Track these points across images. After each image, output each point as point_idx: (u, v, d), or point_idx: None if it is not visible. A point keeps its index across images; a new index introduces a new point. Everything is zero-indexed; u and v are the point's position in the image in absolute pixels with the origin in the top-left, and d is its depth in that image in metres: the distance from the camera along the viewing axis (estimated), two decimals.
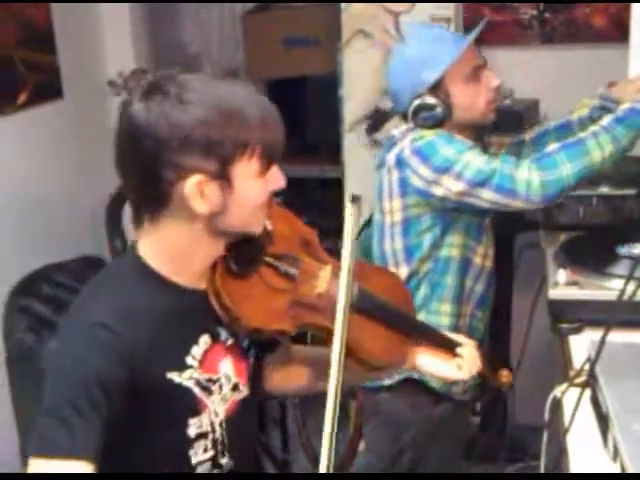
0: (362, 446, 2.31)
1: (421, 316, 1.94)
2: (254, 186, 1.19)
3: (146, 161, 1.15)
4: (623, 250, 1.75)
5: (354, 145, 2.80)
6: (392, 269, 1.97)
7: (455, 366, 1.44)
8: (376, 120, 2.13)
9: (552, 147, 1.76)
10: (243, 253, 1.24)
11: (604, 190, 2.09)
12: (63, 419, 1.08)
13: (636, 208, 2.04)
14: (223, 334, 1.28)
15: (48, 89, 2.69)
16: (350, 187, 2.85)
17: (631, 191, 2.08)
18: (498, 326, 2.38)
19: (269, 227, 1.26)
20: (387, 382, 1.96)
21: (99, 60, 2.99)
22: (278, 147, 1.21)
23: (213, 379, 1.26)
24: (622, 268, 1.68)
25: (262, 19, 3.64)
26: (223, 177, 1.16)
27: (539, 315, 2.26)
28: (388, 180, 1.92)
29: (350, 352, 1.24)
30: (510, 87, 2.58)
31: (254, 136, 1.16)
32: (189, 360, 1.22)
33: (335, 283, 1.26)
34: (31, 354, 1.93)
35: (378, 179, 1.98)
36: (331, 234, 3.51)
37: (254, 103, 1.18)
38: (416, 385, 1.94)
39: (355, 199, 1.22)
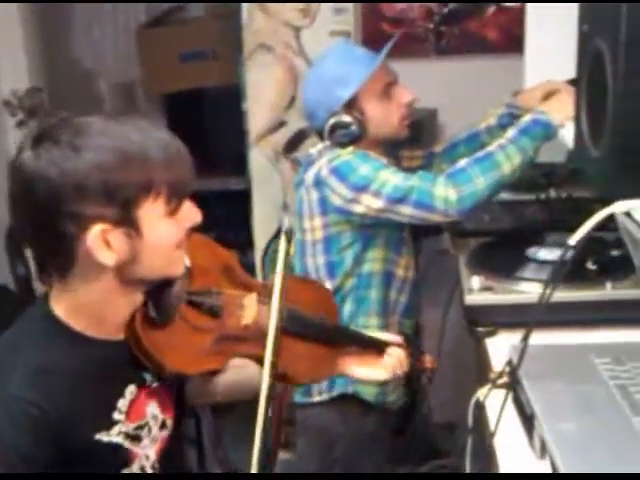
0: (286, 455, 2.30)
1: None
2: (164, 228, 1.12)
3: (42, 215, 1.07)
4: (531, 255, 1.84)
5: (259, 158, 2.81)
6: None
7: (381, 368, 1.46)
8: (293, 138, 2.14)
9: (465, 162, 1.82)
10: (163, 299, 1.17)
11: (504, 196, 2.18)
12: None
13: (536, 212, 2.13)
14: (148, 378, 1.23)
15: None
16: (257, 199, 2.86)
17: (529, 196, 2.18)
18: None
19: (188, 264, 1.20)
20: (317, 398, 1.98)
21: None
22: (186, 184, 1.14)
23: (141, 425, 1.21)
24: (531, 272, 1.76)
25: (157, 34, 3.62)
26: (128, 223, 1.09)
27: (450, 316, 2.33)
28: (307, 199, 1.94)
29: (282, 375, 1.25)
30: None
31: (158, 175, 1.09)
32: (116, 415, 1.17)
33: (262, 310, 1.26)
34: None
35: (298, 198, 2.00)
36: (238, 247, 3.52)
37: (156, 140, 1.11)
38: (348, 399, 1.97)
39: (288, 233, 1.22)
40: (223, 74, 3.35)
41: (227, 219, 3.31)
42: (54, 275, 1.14)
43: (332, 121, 1.90)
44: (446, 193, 1.77)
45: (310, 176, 1.92)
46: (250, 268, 2.87)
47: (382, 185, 1.80)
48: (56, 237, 1.08)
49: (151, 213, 1.10)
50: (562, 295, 1.59)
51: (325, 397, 1.97)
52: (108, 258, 1.09)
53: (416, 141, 2.33)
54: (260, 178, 2.81)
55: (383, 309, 1.98)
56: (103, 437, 1.15)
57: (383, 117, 1.94)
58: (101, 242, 1.08)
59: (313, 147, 2.01)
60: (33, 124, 2.75)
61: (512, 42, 2.67)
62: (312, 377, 1.43)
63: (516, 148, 1.78)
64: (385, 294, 1.98)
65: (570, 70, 1.83)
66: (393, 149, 2.07)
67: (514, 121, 1.90)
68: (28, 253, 2.61)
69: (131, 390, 1.20)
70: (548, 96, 1.89)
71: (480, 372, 1.63)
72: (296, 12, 2.65)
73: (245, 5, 2.66)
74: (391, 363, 1.47)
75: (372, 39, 2.43)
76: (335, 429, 2.01)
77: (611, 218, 1.20)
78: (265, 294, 1.29)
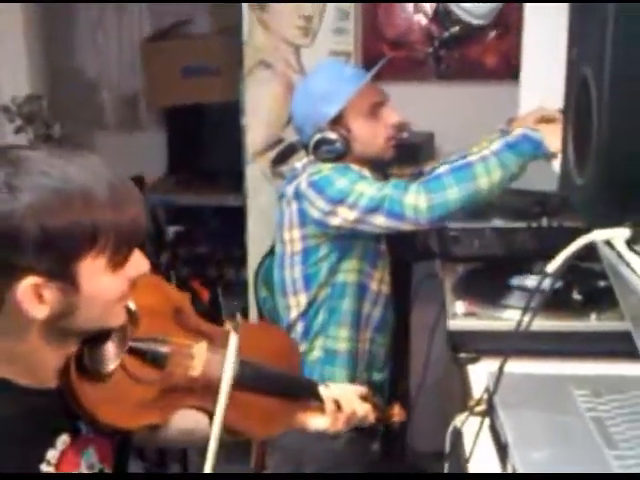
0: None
1: (319, 342, 1.97)
2: (107, 281, 1.01)
3: None
4: (516, 282, 1.83)
5: (256, 175, 2.81)
6: (292, 298, 2.00)
7: (339, 420, 1.39)
8: (283, 153, 2.16)
9: (442, 169, 1.81)
10: (99, 350, 1.07)
11: (496, 223, 2.17)
12: None
13: (527, 240, 2.12)
14: (84, 428, 1.12)
15: None
16: (251, 217, 2.85)
17: (522, 224, 2.17)
18: (397, 353, 2.42)
19: (133, 308, 1.11)
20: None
21: None
22: (136, 235, 1.03)
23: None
24: (515, 299, 1.75)
25: (161, 47, 3.62)
26: (65, 277, 0.97)
27: (437, 342, 2.32)
28: (288, 211, 1.96)
29: (232, 431, 1.19)
30: (406, 121, 2.66)
31: (105, 225, 0.98)
32: (44, 467, 1.06)
33: (212, 360, 1.18)
34: None
35: (279, 210, 2.01)
36: (232, 263, 3.50)
37: (105, 184, 0.99)
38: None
39: (236, 325, 1.18)
40: (225, 90, 3.35)
41: (222, 235, 3.31)
42: None
43: (317, 137, 1.92)
44: (416, 201, 1.76)
45: (291, 189, 1.95)
46: (243, 285, 2.87)
47: (358, 197, 1.81)
48: None
49: (92, 267, 0.99)
50: (547, 324, 1.59)
51: None
52: (38, 312, 0.98)
53: (412, 164, 2.33)
54: (255, 194, 2.80)
55: (355, 321, 1.98)
56: None
57: (369, 136, 1.95)
58: (32, 295, 0.97)
59: (299, 161, 2.02)
60: (31, 131, 2.75)
61: (511, 69, 2.67)
62: (266, 432, 1.35)
63: (498, 162, 1.75)
64: (358, 306, 1.98)
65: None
66: (381, 167, 2.07)
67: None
68: None
69: (63, 440, 1.09)
70: (541, 123, 1.88)
71: (462, 400, 1.62)
72: (297, 30, 2.66)
73: (246, 21, 2.67)
74: (349, 416, 1.39)
75: (372, 60, 2.42)
76: (306, 449, 1.99)
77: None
78: (218, 340, 1.22)
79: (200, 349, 1.19)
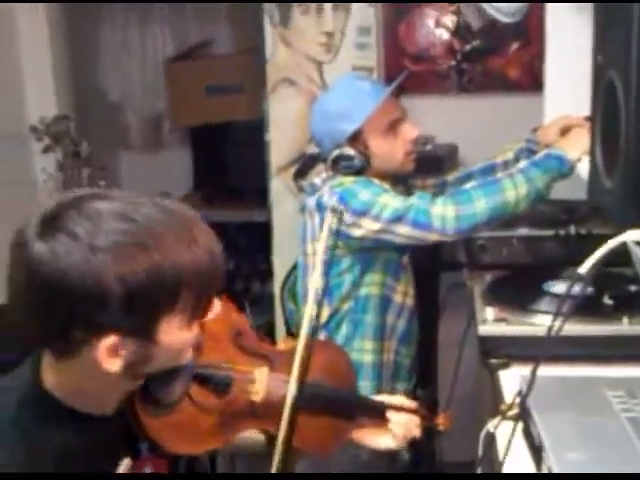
0: None
1: None
2: (183, 336, 1.01)
3: (51, 315, 0.94)
4: (546, 287, 1.83)
5: (280, 190, 2.83)
6: None
7: (390, 437, 1.43)
8: (303, 165, 2.17)
9: (470, 185, 1.84)
10: (165, 387, 1.08)
11: (523, 231, 2.18)
12: None
13: (555, 248, 2.13)
14: (144, 448, 1.15)
15: None
16: (277, 231, 2.87)
17: (549, 232, 2.17)
18: (424, 364, 2.42)
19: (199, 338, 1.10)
20: None
21: (20, 106, 2.95)
22: (214, 294, 1.03)
23: None
24: (546, 304, 1.75)
25: (184, 67, 3.67)
26: (145, 334, 0.97)
27: (466, 352, 2.32)
28: (310, 223, 1.97)
29: (293, 450, 1.19)
30: (430, 134, 2.68)
31: (190, 285, 0.97)
32: None
33: (272, 383, 1.19)
34: None
35: (302, 222, 2.03)
36: (257, 279, 3.52)
37: (187, 240, 0.97)
38: None
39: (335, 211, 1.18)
40: (249, 108, 3.39)
41: (247, 249, 3.34)
42: (51, 356, 1.02)
43: (336, 153, 1.93)
44: (444, 211, 1.77)
45: (312, 201, 1.96)
46: (270, 298, 2.89)
47: (382, 208, 1.82)
48: (61, 337, 0.96)
49: (172, 323, 0.99)
50: (578, 329, 1.59)
51: None
52: (112, 366, 0.98)
53: (435, 176, 2.34)
54: (280, 209, 2.83)
55: (379, 333, 1.98)
56: None
57: (387, 152, 1.96)
58: (110, 353, 0.97)
59: (318, 176, 2.03)
60: (59, 150, 2.80)
61: (534, 80, 2.68)
62: (322, 449, 1.37)
63: (524, 178, 1.78)
64: (382, 319, 1.99)
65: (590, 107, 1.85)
66: (403, 179, 2.09)
67: (531, 156, 1.91)
68: None
69: (126, 462, 1.11)
70: (565, 131, 1.90)
71: (494, 406, 1.61)
72: (319, 47, 2.69)
73: (269, 39, 2.71)
74: (402, 432, 1.43)
75: (394, 75, 2.44)
76: (333, 457, 1.99)
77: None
78: (278, 363, 1.24)
79: (261, 374, 1.19)
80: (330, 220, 1.22)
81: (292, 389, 1.14)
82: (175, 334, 0.99)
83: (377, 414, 1.43)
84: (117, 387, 1.06)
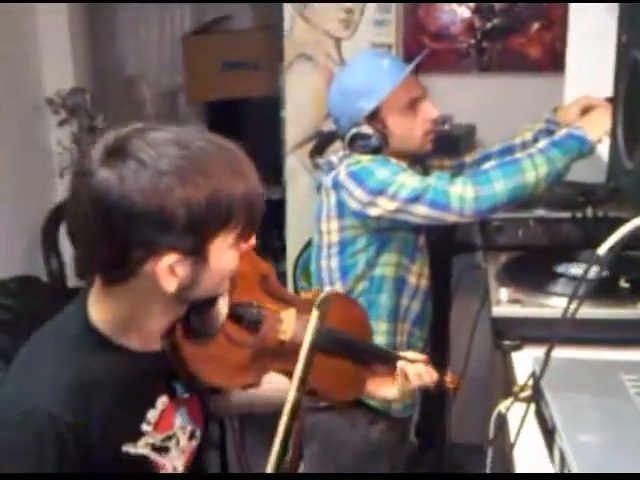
0: (302, 468, 2.29)
1: None
2: (229, 257, 1.09)
3: (114, 237, 1.01)
4: (562, 269, 1.81)
5: (295, 167, 2.82)
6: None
7: (402, 389, 1.45)
8: (320, 143, 2.15)
9: (489, 165, 1.82)
10: (207, 315, 1.15)
11: (540, 213, 2.16)
12: None
13: (571, 230, 2.10)
14: (179, 389, 1.21)
15: None
16: (291, 209, 2.86)
17: (566, 214, 2.15)
18: (437, 347, 2.41)
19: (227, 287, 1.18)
20: (324, 403, 1.96)
21: (37, 77, 2.95)
22: (259, 217, 1.11)
23: (169, 436, 1.19)
24: (561, 287, 1.73)
25: (202, 41, 3.66)
26: (199, 254, 1.05)
27: (478, 335, 2.31)
28: (326, 202, 1.95)
29: (311, 391, 1.25)
30: (448, 113, 2.65)
31: (239, 208, 1.05)
32: (144, 427, 1.14)
33: (298, 326, 1.26)
34: None
35: (318, 201, 2.01)
36: (272, 256, 3.53)
37: (238, 169, 1.06)
38: (354, 404, 1.94)
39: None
40: (265, 85, 3.38)
41: (261, 227, 3.32)
42: (101, 284, 1.10)
43: (353, 131, 1.90)
44: (463, 192, 1.75)
45: (329, 179, 1.93)
46: (282, 276, 2.88)
47: (399, 188, 1.80)
48: (122, 258, 1.03)
49: (222, 245, 1.07)
50: (592, 312, 1.57)
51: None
52: (169, 285, 1.05)
53: (452, 156, 2.32)
54: (295, 187, 2.82)
55: (393, 315, 1.97)
56: (130, 449, 1.12)
57: (405, 131, 1.93)
58: (168, 272, 1.04)
59: (334, 154, 2.01)
60: (75, 122, 2.79)
61: (554, 61, 2.65)
62: (340, 395, 1.41)
63: (544, 158, 1.76)
64: (396, 300, 1.97)
65: (611, 89, 1.82)
66: (421, 159, 2.06)
67: (550, 137, 1.88)
68: (63, 249, 2.65)
69: (163, 401, 1.18)
70: (586, 111, 1.87)
71: (505, 388, 1.60)
72: (337, 23, 2.67)
73: (287, 15, 2.69)
74: (410, 377, 1.45)
75: (413, 52, 2.42)
76: (342, 436, 2.00)
77: None
78: (302, 308, 1.28)
79: (289, 315, 1.28)
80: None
81: (311, 326, 1.17)
82: (223, 257, 1.08)
83: (392, 363, 1.47)
84: (163, 313, 1.12)
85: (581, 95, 1.98)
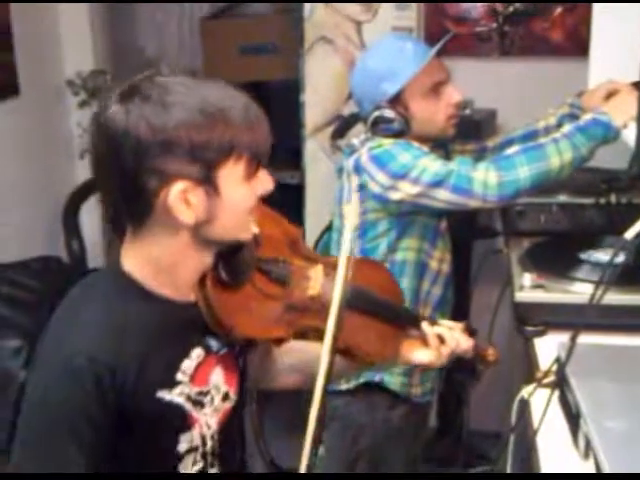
0: (322, 452, 2.30)
1: None
2: (241, 191, 1.13)
3: (126, 168, 1.08)
4: (586, 256, 1.80)
5: (315, 151, 2.81)
6: None
7: (437, 352, 1.42)
8: (342, 125, 2.13)
9: (512, 150, 1.80)
10: (234, 263, 1.18)
11: (563, 199, 2.15)
12: (51, 466, 1.07)
13: (594, 216, 2.09)
14: (215, 345, 1.22)
15: (5, 87, 2.64)
16: (310, 193, 2.86)
17: (588, 200, 2.13)
18: None
19: (256, 230, 1.20)
20: (345, 386, 1.96)
21: (57, 59, 2.96)
22: (265, 150, 1.15)
23: (204, 392, 1.21)
24: (585, 272, 1.72)
25: (220, 25, 3.64)
26: (209, 183, 1.10)
27: (498, 321, 2.30)
28: (347, 186, 1.93)
29: (346, 350, 1.26)
30: (469, 98, 2.63)
31: (240, 139, 1.10)
32: (179, 376, 1.17)
33: (327, 283, 1.27)
34: None
35: (338, 184, 2.00)
36: None
37: (240, 104, 1.12)
38: (374, 388, 1.95)
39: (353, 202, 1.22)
40: (283, 68, 3.36)
41: (280, 211, 3.32)
42: (128, 228, 1.15)
43: (375, 114, 1.88)
44: (486, 178, 1.74)
45: (350, 163, 1.92)
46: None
47: (421, 172, 1.78)
48: (137, 191, 1.09)
49: (231, 175, 1.11)
50: (618, 298, 1.56)
51: (352, 385, 1.95)
52: (187, 216, 1.10)
53: (473, 141, 2.30)
54: (313, 171, 2.81)
55: (414, 299, 1.95)
56: (165, 395, 1.15)
57: (428, 115, 1.90)
58: (181, 200, 1.09)
59: (356, 137, 1.99)
60: (95, 104, 2.79)
61: (577, 45, 2.62)
62: (376, 355, 1.40)
63: (569, 144, 1.74)
64: (417, 284, 1.96)
65: (636, 74, 1.79)
66: (442, 143, 2.04)
67: (574, 122, 1.86)
68: (84, 231, 2.66)
69: (198, 353, 1.20)
70: (610, 96, 1.85)
71: (527, 374, 1.60)
72: (358, 6, 2.65)
73: None
74: (452, 350, 1.42)
75: (434, 36, 2.40)
76: (361, 420, 2.00)
77: None
78: (329, 267, 1.30)
79: (317, 271, 1.30)
80: (352, 221, 1.22)
81: (340, 280, 1.18)
82: (235, 191, 1.12)
83: (418, 326, 1.45)
84: (190, 259, 1.15)
85: (605, 80, 1.96)
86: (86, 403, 1.08)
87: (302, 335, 1.29)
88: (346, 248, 1.20)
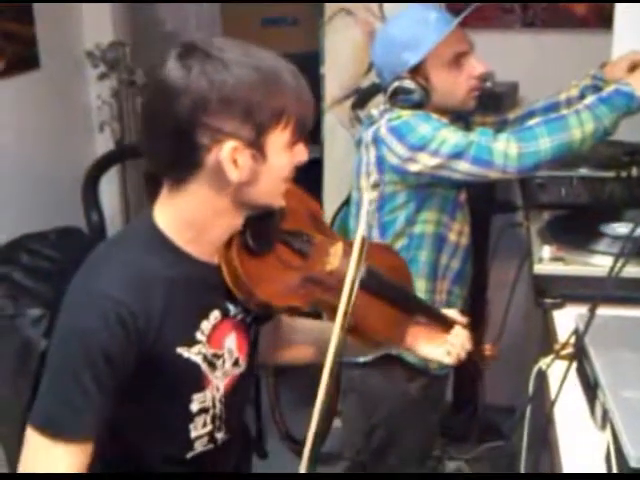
0: (338, 423, 2.31)
1: None
2: (284, 158, 1.16)
3: (181, 123, 1.09)
4: (606, 229, 1.78)
5: (333, 124, 2.79)
6: None
7: (446, 350, 1.46)
8: (363, 95, 2.11)
9: (534, 121, 1.78)
10: (261, 229, 1.21)
11: (584, 172, 2.13)
12: (67, 398, 1.09)
13: (615, 190, 2.07)
14: (232, 310, 1.25)
15: (25, 59, 2.65)
16: (329, 166, 2.85)
17: (610, 174, 2.11)
18: (475, 305, 2.40)
19: (283, 203, 1.23)
20: (362, 359, 1.96)
21: (77, 31, 2.96)
22: (310, 120, 1.17)
23: (218, 354, 1.24)
24: (605, 245, 1.71)
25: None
26: (257, 146, 1.12)
27: (517, 296, 2.29)
28: (366, 157, 1.91)
29: (355, 328, 1.27)
30: (490, 70, 2.60)
31: (291, 104, 1.13)
32: (198, 335, 1.20)
33: (345, 261, 1.28)
34: (9, 322, 1.90)
35: (357, 156, 1.99)
36: None
37: (290, 72, 1.15)
38: (392, 360, 1.95)
39: (375, 185, 1.23)
40: (304, 41, 3.35)
41: (297, 185, 3.32)
42: (169, 183, 1.17)
43: (395, 85, 1.87)
44: (506, 149, 1.72)
45: (369, 134, 1.90)
46: None
47: (441, 143, 1.77)
48: (188, 146, 1.11)
49: (277, 141, 1.13)
50: (637, 270, 1.55)
51: (369, 357, 1.95)
52: (234, 174, 1.12)
53: (494, 113, 2.28)
54: (332, 144, 2.80)
55: (432, 272, 1.95)
56: (184, 352, 1.17)
57: (449, 87, 1.88)
58: (231, 158, 1.11)
59: (375, 108, 1.98)
60: (114, 77, 2.80)
61: (600, 17, 2.59)
62: (382, 335, 1.42)
63: (591, 115, 1.71)
64: (436, 257, 1.95)
65: None
66: (463, 116, 2.02)
67: (597, 94, 1.84)
68: (103, 202, 2.67)
69: (215, 315, 1.22)
70: (634, 68, 1.83)
71: (544, 347, 1.59)
72: None
73: None
74: (456, 345, 1.46)
75: (457, 8, 2.36)
76: (379, 392, 2.00)
77: None
78: (349, 247, 1.30)
79: (337, 247, 1.33)
80: (369, 196, 1.23)
81: (355, 258, 1.20)
82: (279, 157, 1.14)
83: (434, 317, 1.50)
84: (223, 220, 1.18)
85: (629, 51, 1.93)
86: (106, 341, 1.09)
87: (317, 308, 1.31)
88: (363, 225, 1.22)
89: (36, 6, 2.66)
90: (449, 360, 1.47)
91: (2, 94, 2.52)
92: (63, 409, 1.10)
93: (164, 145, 1.14)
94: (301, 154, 1.19)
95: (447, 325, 1.49)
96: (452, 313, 1.53)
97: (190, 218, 1.17)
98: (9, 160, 2.53)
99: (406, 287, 1.49)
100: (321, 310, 1.34)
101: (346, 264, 1.23)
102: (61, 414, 1.10)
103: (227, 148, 1.10)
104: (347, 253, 1.30)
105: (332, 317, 1.20)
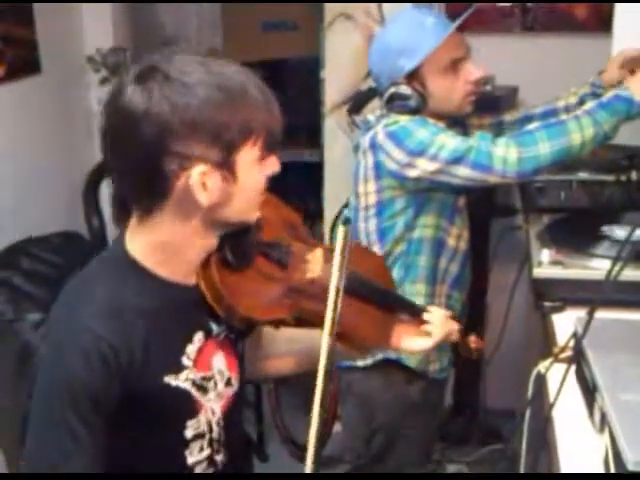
0: (338, 427, 2.31)
1: None
2: (256, 173, 1.13)
3: (146, 151, 1.05)
4: (605, 232, 1.78)
5: (334, 128, 2.80)
6: None
7: (426, 336, 1.44)
8: (359, 99, 2.11)
9: (533, 125, 1.78)
10: (239, 244, 1.19)
11: (583, 175, 2.13)
12: (57, 444, 1.07)
13: (615, 193, 2.07)
14: (215, 329, 1.22)
15: (26, 64, 2.65)
16: (329, 170, 2.85)
17: (609, 177, 2.12)
18: (475, 310, 2.40)
19: (259, 214, 1.22)
20: (362, 363, 1.96)
21: (78, 36, 2.96)
22: (279, 131, 1.14)
23: (207, 377, 1.21)
24: (604, 249, 1.71)
25: (240, 2, 3.64)
26: (227, 166, 1.09)
27: (516, 300, 2.29)
28: (364, 163, 1.92)
29: (342, 335, 1.25)
30: (490, 74, 2.60)
31: (259, 120, 1.09)
32: (185, 360, 1.17)
33: (326, 267, 1.26)
34: (9, 327, 1.90)
35: (355, 162, 1.99)
36: (310, 218, 3.55)
37: (255, 84, 1.11)
38: (391, 364, 1.95)
39: (346, 221, 1.20)
40: (304, 45, 3.36)
41: (298, 189, 3.32)
42: (138, 212, 1.14)
43: (391, 91, 1.87)
44: (506, 153, 1.72)
45: (366, 140, 1.90)
46: (319, 238, 2.88)
47: (439, 149, 1.76)
48: (156, 174, 1.07)
49: (248, 158, 1.10)
50: (635, 274, 1.56)
51: (369, 362, 1.95)
52: (204, 198, 1.09)
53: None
54: (332, 148, 2.80)
55: (432, 277, 1.95)
56: (172, 381, 1.15)
57: (445, 93, 1.88)
58: (200, 183, 1.07)
59: (372, 113, 1.97)
60: (115, 81, 2.80)
61: (601, 21, 2.58)
62: (371, 340, 1.42)
63: (591, 120, 1.72)
64: (435, 262, 1.95)
65: None
66: (460, 118, 2.02)
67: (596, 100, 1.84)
68: (104, 207, 2.67)
69: (199, 337, 1.19)
70: (628, 65, 1.83)
71: (544, 350, 1.60)
72: None
73: None
74: (433, 322, 1.45)
75: (456, 12, 2.37)
76: (379, 396, 2.00)
77: None
78: (330, 254, 1.28)
79: (317, 254, 1.32)
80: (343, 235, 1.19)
81: (337, 265, 1.17)
82: (250, 174, 1.12)
83: (416, 313, 1.48)
84: (197, 240, 1.15)
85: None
86: (89, 380, 1.07)
87: (301, 318, 1.28)
88: (341, 232, 1.18)
89: (37, 11, 2.66)
90: (433, 340, 1.44)
91: (3, 99, 2.52)
92: (53, 453, 1.08)
93: (130, 175, 1.11)
94: (273, 166, 1.16)
95: (420, 313, 1.48)
96: (434, 308, 1.52)
97: (164, 245, 1.14)
98: (10, 164, 2.53)
99: (387, 286, 1.48)
100: (308, 319, 1.30)
101: (327, 270, 1.21)
102: (52, 457, 1.08)
103: (196, 173, 1.07)
104: (328, 259, 1.28)
105: (318, 325, 1.17)
